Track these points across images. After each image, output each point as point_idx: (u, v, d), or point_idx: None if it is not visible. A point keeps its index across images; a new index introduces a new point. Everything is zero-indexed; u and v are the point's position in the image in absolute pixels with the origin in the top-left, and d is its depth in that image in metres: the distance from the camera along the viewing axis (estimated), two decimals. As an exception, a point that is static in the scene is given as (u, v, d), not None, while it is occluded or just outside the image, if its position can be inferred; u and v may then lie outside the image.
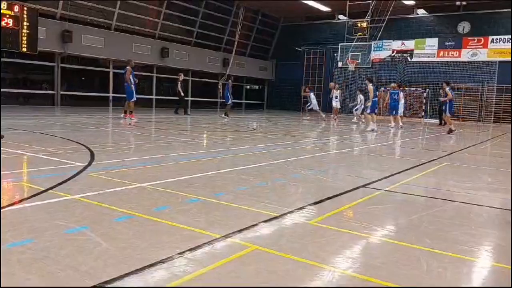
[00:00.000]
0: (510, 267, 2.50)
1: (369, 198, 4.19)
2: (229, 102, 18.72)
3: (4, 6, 17.41)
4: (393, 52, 26.06)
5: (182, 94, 19.05)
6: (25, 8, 17.90)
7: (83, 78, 23.33)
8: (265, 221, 3.18)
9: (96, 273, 2.15)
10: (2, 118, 10.93)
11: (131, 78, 13.59)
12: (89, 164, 5.24)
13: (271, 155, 7.03)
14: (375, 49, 26.28)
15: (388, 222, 3.47)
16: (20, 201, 3.52)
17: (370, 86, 14.00)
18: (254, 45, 31.19)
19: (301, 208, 3.61)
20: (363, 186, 4.72)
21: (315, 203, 3.85)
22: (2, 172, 4.39)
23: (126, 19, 22.72)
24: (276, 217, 3.30)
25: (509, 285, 2.28)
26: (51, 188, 3.85)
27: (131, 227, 2.94)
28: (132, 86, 13.68)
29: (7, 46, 17.75)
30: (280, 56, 31.96)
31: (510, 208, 3.93)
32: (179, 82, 18.80)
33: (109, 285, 2.04)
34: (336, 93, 20.20)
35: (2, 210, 3.15)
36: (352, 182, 5.02)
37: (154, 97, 24.98)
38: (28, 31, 18.23)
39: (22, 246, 2.49)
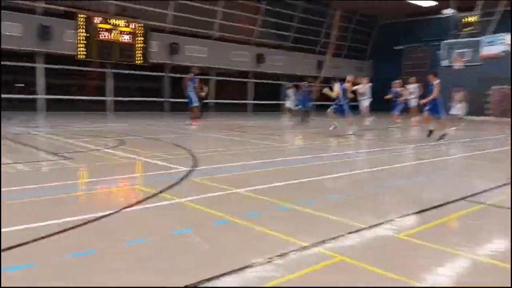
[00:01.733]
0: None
1: (469, 211, 3.95)
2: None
3: (123, 24, 19.67)
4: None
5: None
6: (140, 25, 20.01)
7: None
8: (355, 232, 3.22)
9: (197, 273, 2.44)
10: (114, 123, 12.37)
11: (190, 84, 13.97)
12: (192, 169, 5.75)
13: (365, 162, 6.92)
14: (487, 44, 23.88)
15: (489, 240, 3.26)
16: (136, 203, 4.05)
17: (336, 88, 12.11)
18: (350, 46, 30.58)
19: (392, 220, 3.56)
20: (463, 198, 4.44)
21: (408, 215, 3.76)
22: (118, 176, 5.08)
23: (225, 28, 24.02)
24: (366, 228, 3.32)
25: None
26: (160, 192, 4.36)
27: (227, 231, 3.23)
28: (192, 92, 13.96)
29: (126, 60, 20.13)
30: (377, 56, 30.85)
31: None
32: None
33: (207, 283, 2.31)
34: (364, 88, 15.89)
35: (122, 211, 3.68)
36: (450, 193, 4.74)
37: (250, 102, 25.99)
38: (142, 45, 20.36)
39: (137, 244, 2.91)
